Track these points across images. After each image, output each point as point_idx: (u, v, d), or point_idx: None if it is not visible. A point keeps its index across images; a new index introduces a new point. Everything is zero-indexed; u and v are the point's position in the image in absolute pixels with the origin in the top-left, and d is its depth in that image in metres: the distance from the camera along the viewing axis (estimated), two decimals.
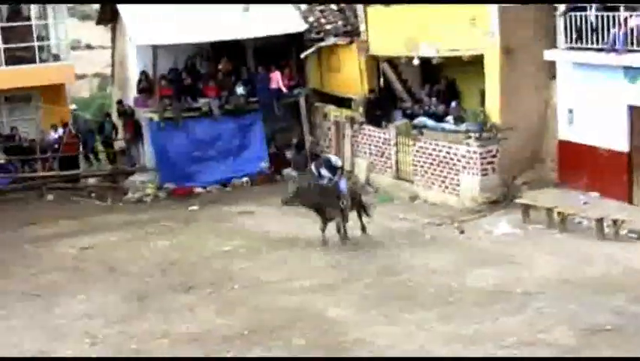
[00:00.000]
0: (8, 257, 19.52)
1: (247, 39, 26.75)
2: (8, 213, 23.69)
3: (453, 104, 22.21)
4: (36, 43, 27.90)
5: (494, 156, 20.94)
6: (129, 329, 14.29)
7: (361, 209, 19.41)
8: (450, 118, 22.06)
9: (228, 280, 16.44)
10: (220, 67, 27.25)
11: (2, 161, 26.65)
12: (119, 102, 28.62)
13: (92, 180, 27.31)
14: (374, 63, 24.93)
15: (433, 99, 23.23)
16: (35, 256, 19.46)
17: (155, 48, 26.19)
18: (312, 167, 19.69)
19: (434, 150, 22.07)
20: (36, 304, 15.95)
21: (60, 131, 27.28)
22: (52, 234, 21.38)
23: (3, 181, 26.27)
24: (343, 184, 18.85)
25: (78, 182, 27.27)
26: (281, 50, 27.00)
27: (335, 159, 19.64)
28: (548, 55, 20.56)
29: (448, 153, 21.60)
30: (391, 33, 23.59)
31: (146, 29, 25.86)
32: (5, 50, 27.27)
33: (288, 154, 27.36)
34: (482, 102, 21.55)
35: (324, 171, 18.91)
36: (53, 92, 28.34)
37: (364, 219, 19.34)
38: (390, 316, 14.01)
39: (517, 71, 20.77)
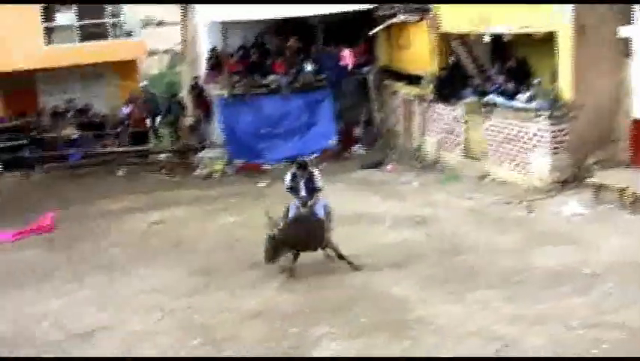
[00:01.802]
0: (80, 231, 19.91)
1: (316, 16, 26.71)
2: (80, 188, 24.12)
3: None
4: (109, 20, 28.29)
5: (565, 135, 20.57)
6: (195, 303, 14.45)
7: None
8: (521, 96, 21.74)
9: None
10: (289, 44, 27.28)
11: (75, 136, 27.12)
12: (194, 80, 28.85)
13: (161, 156, 27.66)
14: (444, 40, 24.66)
15: (504, 77, 22.93)
16: (106, 230, 19.81)
17: (225, 25, 26.34)
18: (288, 176, 16.07)
19: (504, 128, 21.78)
20: (105, 278, 16.24)
21: (130, 106, 27.66)
22: (122, 208, 21.72)
23: (75, 156, 26.74)
24: (320, 209, 15.77)
25: (148, 157, 27.65)
26: (350, 27, 26.91)
27: (319, 179, 16.06)
28: (624, 31, 20.10)
29: (518, 131, 21.30)
30: (462, 10, 23.31)
31: (217, 6, 26.00)
32: (80, 26, 27.71)
33: (357, 131, 27.35)
34: (553, 80, 21.19)
35: (302, 186, 15.79)
36: (125, 69, 28.77)
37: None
38: (454, 295, 13.92)
39: (590, 49, 20.33)
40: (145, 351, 12.63)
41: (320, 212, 15.65)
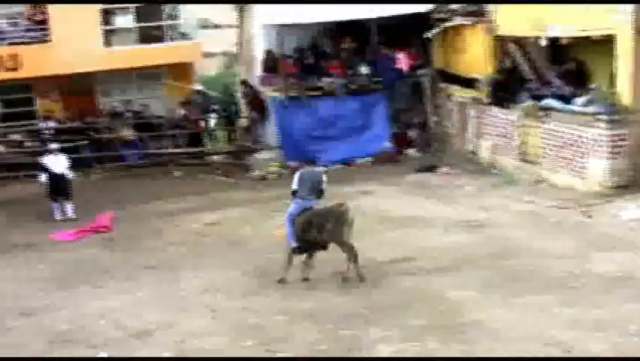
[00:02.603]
0: (136, 231, 20.14)
1: (372, 18, 26.70)
2: (137, 188, 24.40)
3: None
4: (167, 23, 28.58)
5: (624, 140, 20.33)
6: (249, 304, 14.50)
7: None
8: (579, 100, 21.52)
9: (346, 259, 16.47)
10: (344, 46, 27.31)
11: (132, 137, 27.44)
12: (243, 82, 29.07)
13: (217, 157, 27.86)
14: (500, 43, 24.51)
15: (561, 80, 22.71)
16: (162, 231, 20.00)
17: (280, 27, 26.45)
18: (296, 176, 15.75)
19: (561, 132, 21.58)
20: (161, 277, 16.39)
21: (186, 108, 27.92)
22: (178, 209, 21.91)
23: (133, 157, 27.06)
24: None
25: (203, 159, 27.87)
26: (406, 30, 26.86)
27: (324, 180, 15.70)
28: None
29: (575, 135, 21.09)
30: (518, 13, 23.15)
31: (273, 8, 26.13)
32: (138, 29, 28.04)
33: (411, 134, 27.30)
34: (612, 84, 20.94)
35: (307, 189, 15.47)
36: (181, 70, 29.02)
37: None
38: (509, 299, 13.81)
39: None
40: (199, 352, 12.67)
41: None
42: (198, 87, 29.88)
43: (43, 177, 21.21)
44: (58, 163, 21.32)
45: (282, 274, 15.40)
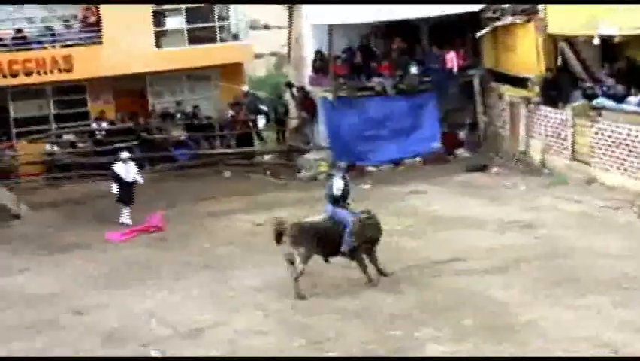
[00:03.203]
0: (187, 230, 20.31)
1: (422, 18, 26.61)
2: (188, 188, 24.56)
3: None
4: (217, 24, 28.75)
5: None
6: (298, 303, 14.54)
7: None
8: (632, 99, 21.24)
9: (396, 259, 16.44)
10: (394, 46, 27.26)
11: (183, 137, 27.64)
12: (288, 84, 29.18)
13: (266, 158, 27.96)
14: (551, 42, 24.26)
15: (613, 79, 22.44)
16: (212, 230, 20.12)
17: (330, 27, 26.48)
18: (340, 183, 15.38)
19: (613, 131, 21.32)
20: (212, 276, 16.51)
21: (236, 109, 28.07)
22: (228, 209, 22.02)
23: (183, 157, 27.27)
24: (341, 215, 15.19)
25: (253, 159, 28.00)
26: (456, 29, 26.74)
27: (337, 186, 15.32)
28: None
29: (628, 134, 20.82)
30: (570, 11, 22.89)
31: (323, 8, 26.16)
32: (188, 30, 28.25)
33: (461, 134, 27.17)
34: None
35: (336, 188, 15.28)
36: (231, 71, 29.14)
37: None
38: (561, 299, 13.71)
39: None
40: (249, 351, 12.73)
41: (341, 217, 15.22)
42: (247, 88, 30.00)
43: (114, 187, 21.22)
44: (128, 171, 21.32)
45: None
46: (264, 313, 14.26)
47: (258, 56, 35.79)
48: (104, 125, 27.56)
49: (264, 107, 29.05)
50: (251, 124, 28.51)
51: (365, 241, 15.06)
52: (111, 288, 16.29)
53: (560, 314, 13.11)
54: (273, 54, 42.22)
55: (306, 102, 28.06)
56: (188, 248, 18.82)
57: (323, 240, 14.89)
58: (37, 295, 16.12)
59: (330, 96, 26.62)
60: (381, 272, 15.30)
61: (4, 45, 26.65)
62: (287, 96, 30.10)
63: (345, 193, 15.36)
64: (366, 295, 14.70)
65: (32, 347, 13.52)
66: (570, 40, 23.86)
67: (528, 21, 24.82)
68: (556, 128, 23.56)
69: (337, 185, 15.29)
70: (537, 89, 24.30)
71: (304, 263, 14.81)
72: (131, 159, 21.59)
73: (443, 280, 15.18)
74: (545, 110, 24.04)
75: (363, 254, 15.14)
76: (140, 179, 21.55)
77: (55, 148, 27.00)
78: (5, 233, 21.28)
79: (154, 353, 12.93)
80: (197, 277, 16.52)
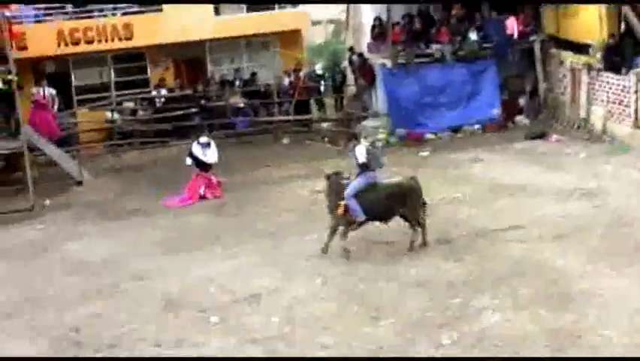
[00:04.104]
0: (245, 197, 20.43)
1: None
2: (246, 155, 24.68)
3: None
4: None
5: None
6: (356, 270, 14.60)
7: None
8: None
9: (456, 227, 16.43)
10: (453, 12, 26.99)
11: (242, 105, 27.75)
12: (351, 49, 29.06)
13: (324, 125, 27.95)
14: (615, 7, 23.83)
15: None
16: (270, 197, 20.22)
17: None
18: (363, 150, 15.32)
19: None
20: (270, 243, 16.62)
21: (294, 76, 28.08)
22: (286, 176, 22.10)
23: (242, 124, 27.39)
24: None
25: (312, 126, 28.03)
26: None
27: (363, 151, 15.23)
28: None
29: None
30: None
31: None
32: None
33: (521, 101, 26.89)
34: None
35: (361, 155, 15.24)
36: (289, 38, 29.15)
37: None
38: (620, 269, 13.55)
39: None
40: (307, 318, 12.83)
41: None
42: (305, 55, 30.01)
43: (188, 161, 21.18)
44: (205, 154, 21.24)
45: (343, 244, 15.31)
46: (321, 280, 14.33)
47: (315, 23, 35.68)
48: (164, 92, 27.77)
49: (321, 73, 29.04)
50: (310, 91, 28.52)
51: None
52: (171, 254, 16.50)
53: (620, 283, 12.98)
54: (331, 21, 42.03)
55: (365, 69, 27.96)
56: (247, 215, 18.93)
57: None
58: (99, 261, 16.40)
59: (388, 63, 26.47)
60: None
61: (66, 14, 26.98)
62: (345, 63, 30.01)
63: (370, 160, 15.25)
64: (424, 263, 14.70)
65: (94, 312, 13.77)
66: (634, 5, 23.40)
67: None
68: (619, 94, 23.17)
69: (360, 151, 15.25)
70: (599, 55, 23.91)
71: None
72: (208, 144, 21.34)
73: (502, 248, 15.09)
74: (607, 76, 23.65)
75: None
76: (215, 160, 21.42)
77: (116, 115, 27.28)
78: (68, 200, 21.66)
79: (212, 319, 13.07)
80: (255, 244, 16.63)
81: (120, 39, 26.94)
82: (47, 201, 21.36)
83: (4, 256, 17.28)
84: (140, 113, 27.51)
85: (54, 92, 25.39)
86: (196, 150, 21.14)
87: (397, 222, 15.82)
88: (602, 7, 23.80)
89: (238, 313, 13.30)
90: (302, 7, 29.21)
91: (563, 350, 11.04)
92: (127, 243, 17.52)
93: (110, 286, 14.89)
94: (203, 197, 20.61)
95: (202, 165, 21.04)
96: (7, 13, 22.74)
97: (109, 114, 27.28)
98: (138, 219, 19.28)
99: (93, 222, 19.38)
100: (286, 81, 28.19)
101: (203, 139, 21.28)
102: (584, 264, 13.95)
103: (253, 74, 28.67)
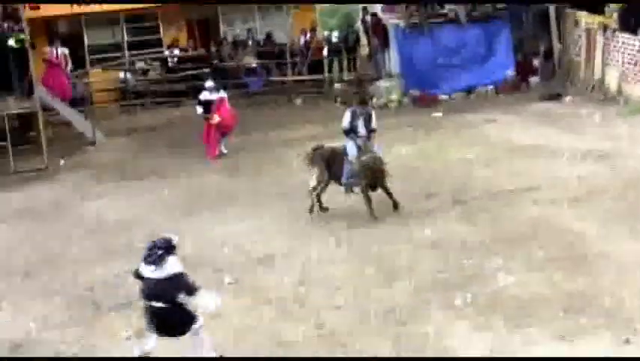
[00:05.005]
0: (260, 158, 20.50)
1: None
2: (260, 116, 24.70)
3: None
4: None
5: None
6: (372, 231, 14.64)
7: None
8: None
9: (469, 188, 16.42)
10: None
11: (255, 65, 27.70)
12: (364, 9, 28.96)
13: (338, 86, 27.89)
14: None
15: None
16: (284, 158, 20.17)
17: None
18: (348, 114, 15.70)
19: None
20: (284, 204, 16.62)
21: (308, 36, 27.99)
22: (299, 137, 22.00)
23: (255, 85, 27.36)
24: (379, 149, 15.80)
25: (325, 87, 27.98)
26: None
27: (375, 120, 15.82)
28: None
29: None
30: None
31: None
32: None
33: (535, 62, 26.76)
34: None
35: (361, 125, 15.54)
36: None
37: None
38: (636, 231, 13.51)
39: None
40: (322, 279, 12.86)
41: (379, 151, 15.57)
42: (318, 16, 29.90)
43: (199, 109, 21.18)
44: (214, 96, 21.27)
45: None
46: (335, 242, 14.36)
47: None
48: (176, 52, 27.74)
49: (335, 34, 28.95)
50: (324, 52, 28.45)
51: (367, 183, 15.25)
52: (185, 215, 16.57)
53: (635, 247, 12.94)
54: None
55: (378, 29, 27.85)
56: (262, 176, 18.98)
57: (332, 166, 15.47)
58: (114, 221, 16.53)
59: (402, 23, 26.35)
60: (395, 204, 15.42)
61: None
62: (358, 24, 29.88)
63: (354, 126, 15.45)
64: (439, 224, 14.71)
65: (110, 271, 13.87)
66: None
67: None
68: (634, 55, 23.00)
69: (345, 117, 15.55)
70: (615, 15, 23.72)
71: (316, 182, 15.61)
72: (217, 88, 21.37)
73: (516, 209, 15.08)
74: (623, 37, 23.47)
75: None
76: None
77: (129, 75, 27.27)
78: (81, 160, 21.78)
79: (227, 279, 13.13)
80: (270, 205, 16.65)
81: None
82: (62, 161, 21.49)
83: (20, 217, 17.44)
84: (153, 73, 27.48)
85: (67, 51, 25.41)
86: (204, 95, 21.13)
87: (409, 188, 15.86)
88: None
89: (253, 273, 13.36)
90: None
91: (576, 312, 11.02)
92: (142, 203, 17.60)
93: (126, 245, 14.95)
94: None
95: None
96: None
97: (122, 74, 27.28)
98: (153, 180, 19.36)
99: (108, 182, 19.49)
100: (302, 41, 28.09)
101: (209, 83, 21.27)
102: (600, 227, 13.90)
103: (269, 35, 28.57)
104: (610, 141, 19.09)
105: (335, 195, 16.14)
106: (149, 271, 10.03)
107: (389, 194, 15.45)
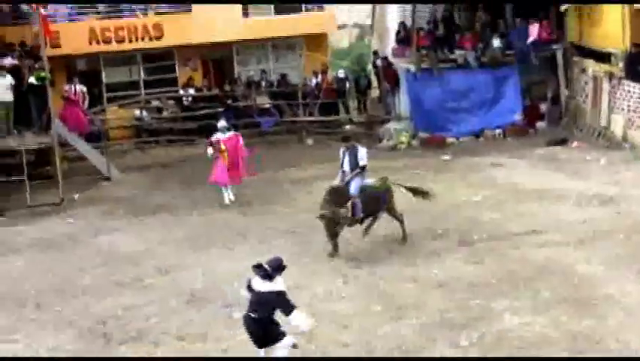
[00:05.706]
0: (270, 196, 20.70)
1: None
2: (271, 155, 24.96)
3: None
4: None
5: None
6: (378, 270, 14.82)
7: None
8: None
9: (476, 230, 16.61)
10: (477, 18, 27.22)
11: (268, 105, 28.09)
12: (375, 53, 29.38)
13: (348, 127, 28.20)
14: (638, 16, 23.95)
15: None
16: (294, 197, 20.47)
17: None
18: (340, 151, 16.35)
19: None
20: (294, 241, 16.85)
21: (320, 78, 28.38)
22: (309, 176, 22.29)
23: (267, 124, 27.71)
24: (355, 187, 15.92)
25: (336, 128, 28.29)
26: (540, 2, 26.55)
27: (365, 156, 16.07)
28: None
29: None
30: None
31: None
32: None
33: (543, 107, 27.08)
34: None
35: (346, 160, 16.09)
36: (315, 41, 29.50)
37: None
38: None
39: None
40: (330, 315, 13.01)
41: (352, 190, 15.81)
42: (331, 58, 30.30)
43: (209, 151, 21.17)
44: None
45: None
46: (343, 279, 14.55)
47: (341, 27, 35.98)
48: (191, 91, 28.16)
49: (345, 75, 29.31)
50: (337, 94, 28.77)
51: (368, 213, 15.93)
52: (196, 249, 16.78)
53: None
54: (356, 25, 42.28)
55: (389, 73, 28.25)
56: (272, 213, 19.19)
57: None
58: (126, 255, 16.71)
59: (412, 67, 26.74)
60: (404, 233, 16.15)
61: (98, 13, 27.45)
62: (369, 67, 30.31)
63: (352, 164, 15.97)
64: (445, 264, 14.91)
65: (121, 304, 14.04)
66: None
67: None
68: None
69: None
70: (621, 63, 24.06)
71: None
72: (229, 128, 21.48)
73: (523, 251, 15.26)
74: (629, 84, 23.80)
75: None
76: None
77: (144, 113, 27.68)
78: (97, 195, 22.04)
79: (235, 315, 13.25)
80: (279, 242, 16.86)
81: (150, 38, 27.46)
82: (76, 196, 21.77)
83: (34, 248, 17.62)
84: (167, 111, 27.88)
85: (85, 89, 25.84)
86: (216, 136, 20.96)
87: (417, 228, 16.18)
88: (626, 16, 23.92)
89: None
90: (328, 11, 29.51)
91: (581, 354, 11.16)
92: (153, 238, 17.79)
93: (137, 279, 15.18)
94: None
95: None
96: (43, 11, 23.15)
97: (137, 112, 27.69)
98: (165, 215, 19.59)
99: (121, 217, 19.70)
100: (313, 82, 28.49)
101: (221, 123, 21.34)
102: (604, 269, 14.07)
103: (283, 76, 28.99)
104: (615, 186, 19.32)
105: (345, 233, 16.36)
106: (259, 285, 10.83)
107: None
